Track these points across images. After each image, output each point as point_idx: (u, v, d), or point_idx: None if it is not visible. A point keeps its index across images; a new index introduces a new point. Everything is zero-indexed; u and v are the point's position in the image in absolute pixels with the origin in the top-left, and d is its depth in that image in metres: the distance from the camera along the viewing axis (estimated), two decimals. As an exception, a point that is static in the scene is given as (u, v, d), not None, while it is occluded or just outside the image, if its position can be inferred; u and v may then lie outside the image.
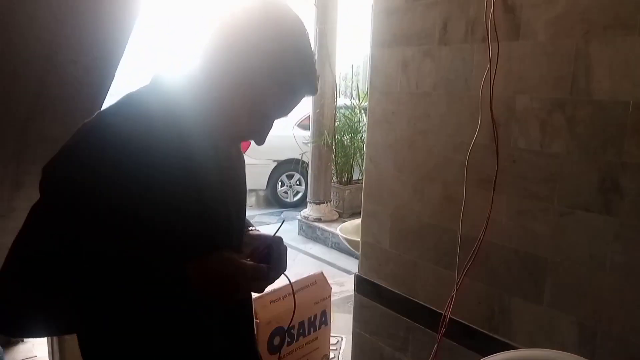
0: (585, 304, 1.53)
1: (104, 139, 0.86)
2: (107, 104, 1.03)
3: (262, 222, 6.45)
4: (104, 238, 0.87)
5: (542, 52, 1.57)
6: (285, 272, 1.19)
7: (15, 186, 1.38)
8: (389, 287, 2.14)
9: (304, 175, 6.60)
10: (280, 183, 7.00)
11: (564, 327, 1.58)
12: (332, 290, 3.43)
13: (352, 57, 8.13)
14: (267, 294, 2.67)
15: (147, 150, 0.88)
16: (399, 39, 2.00)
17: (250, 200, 7.61)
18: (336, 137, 5.80)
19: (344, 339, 3.31)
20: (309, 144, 5.93)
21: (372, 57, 2.12)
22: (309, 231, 5.80)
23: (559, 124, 1.55)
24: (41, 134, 1.22)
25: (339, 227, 3.43)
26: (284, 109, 0.98)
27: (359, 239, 2.27)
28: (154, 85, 0.98)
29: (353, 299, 2.34)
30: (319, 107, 5.73)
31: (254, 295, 1.20)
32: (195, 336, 1.02)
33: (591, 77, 1.47)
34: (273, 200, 7.04)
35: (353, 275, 2.40)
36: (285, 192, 7.07)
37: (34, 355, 2.96)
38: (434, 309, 1.95)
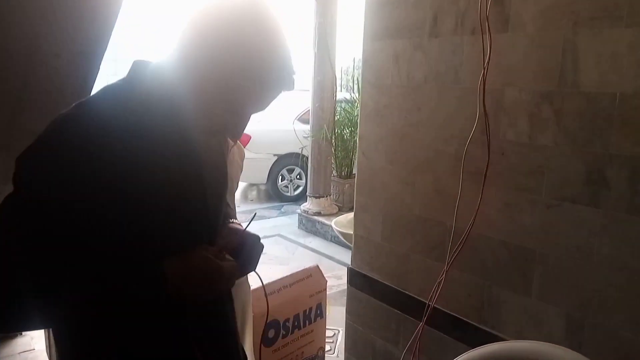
0: (573, 295, 1.53)
1: (78, 129, 0.86)
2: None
3: (263, 216, 6.46)
4: (79, 230, 0.86)
5: (531, 44, 1.56)
6: (257, 271, 1.19)
7: (4, 180, 1.39)
8: (381, 280, 2.15)
9: (305, 169, 6.60)
10: (280, 177, 7.01)
11: (551, 319, 1.59)
12: (330, 283, 3.45)
13: (354, 50, 8.12)
14: (262, 287, 2.68)
15: (123, 141, 0.88)
16: (390, 31, 2.00)
17: (251, 194, 7.63)
18: (336, 131, 5.80)
19: (341, 332, 3.32)
20: (309, 138, 5.93)
21: (364, 50, 2.12)
22: (308, 225, 5.82)
23: (547, 116, 1.54)
24: (28, 128, 1.23)
25: (333, 221, 3.44)
26: (260, 104, 0.98)
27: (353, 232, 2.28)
28: (131, 77, 0.98)
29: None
30: (318, 101, 5.73)
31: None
32: (172, 333, 1.02)
33: (579, 69, 1.46)
34: (273, 195, 7.05)
35: (347, 268, 2.41)
36: (286, 186, 7.08)
37: (32, 348, 2.99)
38: (424, 301, 1.95)
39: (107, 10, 1.15)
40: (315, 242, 5.52)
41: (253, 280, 2.60)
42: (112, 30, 1.21)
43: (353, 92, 6.35)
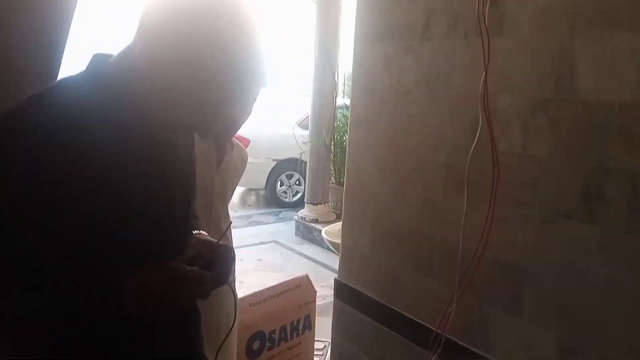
0: (567, 318, 1.43)
1: (26, 127, 0.79)
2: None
3: (260, 222, 6.39)
4: (27, 239, 0.79)
5: (526, 49, 1.47)
6: (235, 281, 1.12)
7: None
8: (368, 294, 2.05)
9: (304, 175, 6.52)
10: (279, 182, 6.93)
11: (543, 342, 1.48)
12: (324, 293, 3.34)
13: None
14: (247, 296, 2.60)
15: (77, 139, 0.81)
16: (381, 34, 1.91)
17: (250, 199, 7.54)
18: (335, 137, 5.71)
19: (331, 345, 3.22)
20: (308, 144, 5.85)
21: (355, 53, 2.03)
22: (305, 232, 5.72)
23: (541, 125, 1.45)
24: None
25: (323, 230, 3.35)
26: (235, 100, 0.90)
27: (341, 242, 2.19)
28: (89, 70, 0.91)
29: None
30: (317, 107, 5.65)
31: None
32: (135, 343, 0.95)
33: (576, 76, 1.37)
34: (272, 200, 6.97)
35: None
36: (285, 192, 7.00)
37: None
38: (412, 317, 1.85)
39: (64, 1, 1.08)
40: (311, 250, 5.42)
41: (240, 290, 2.52)
42: (71, 20, 1.13)
43: (354, 98, 6.25)
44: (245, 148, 6.74)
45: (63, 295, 0.83)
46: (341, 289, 2.19)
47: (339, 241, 2.35)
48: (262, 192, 7.32)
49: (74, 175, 0.80)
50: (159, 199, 0.96)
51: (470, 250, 1.63)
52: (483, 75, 1.52)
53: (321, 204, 5.75)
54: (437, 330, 1.71)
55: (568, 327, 1.42)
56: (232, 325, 1.19)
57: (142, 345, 0.95)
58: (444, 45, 1.70)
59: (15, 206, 0.78)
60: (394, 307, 1.93)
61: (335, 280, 2.23)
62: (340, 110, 5.97)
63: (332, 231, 3.26)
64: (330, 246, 3.18)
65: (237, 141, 1.78)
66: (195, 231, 1.15)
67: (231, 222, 1.64)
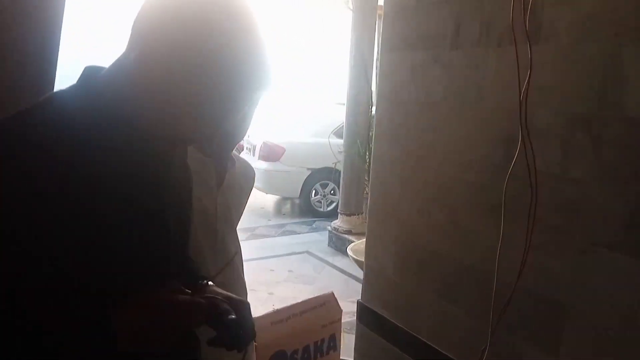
0: (609, 361, 1.26)
1: (13, 144, 0.73)
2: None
3: (293, 232, 6.32)
4: (11, 265, 0.72)
5: (566, 58, 1.32)
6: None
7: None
8: (391, 319, 1.92)
9: (339, 184, 6.42)
10: (314, 192, 6.85)
11: (582, 388, 1.32)
12: (353, 309, 3.22)
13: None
14: (268, 314, 2.51)
15: (64, 159, 0.74)
16: (408, 42, 1.79)
17: (285, 207, 7.50)
18: (370, 147, 5.58)
19: (358, 365, 3.09)
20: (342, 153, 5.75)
21: (381, 62, 1.92)
22: (338, 243, 5.60)
23: (582, 144, 1.29)
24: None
25: (349, 247, 3.22)
26: (234, 109, 0.82)
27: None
28: (81, 82, 0.84)
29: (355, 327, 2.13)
30: (352, 116, 5.54)
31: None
32: None
33: (624, 90, 1.21)
34: (306, 209, 6.89)
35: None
36: (319, 201, 6.91)
37: None
38: (437, 348, 1.71)
39: (51, 6, 1.02)
40: (343, 262, 5.29)
41: (257, 309, 2.42)
42: (61, 25, 1.07)
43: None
44: (280, 157, 6.65)
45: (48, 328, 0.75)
46: (364, 313, 2.06)
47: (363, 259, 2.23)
48: (297, 201, 7.26)
49: (62, 197, 0.74)
50: (152, 220, 0.88)
51: (503, 280, 1.48)
52: (524, 87, 1.36)
53: (355, 215, 5.62)
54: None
55: (611, 373, 1.26)
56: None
57: None
58: (475, 54, 1.56)
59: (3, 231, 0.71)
60: (418, 336, 1.79)
61: (358, 303, 2.11)
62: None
63: (358, 249, 3.13)
64: (357, 265, 3.05)
65: (239, 155, 1.63)
66: (204, 281, 1.05)
67: (237, 252, 1.53)
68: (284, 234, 6.22)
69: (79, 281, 0.76)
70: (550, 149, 1.37)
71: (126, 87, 0.81)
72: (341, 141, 5.96)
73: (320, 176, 6.74)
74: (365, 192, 5.78)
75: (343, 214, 5.68)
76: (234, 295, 0.98)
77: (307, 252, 5.58)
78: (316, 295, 2.65)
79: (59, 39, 1.09)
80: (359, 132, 5.52)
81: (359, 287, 4.51)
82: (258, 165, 6.10)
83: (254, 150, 6.73)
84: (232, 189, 1.51)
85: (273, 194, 7.05)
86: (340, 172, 5.92)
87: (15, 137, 0.74)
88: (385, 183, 1.93)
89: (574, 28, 1.30)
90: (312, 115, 7.62)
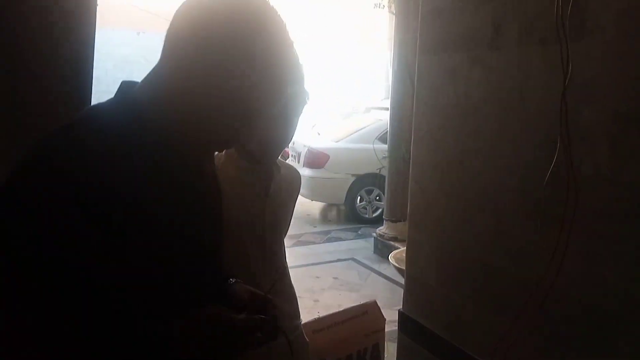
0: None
1: (56, 159, 0.74)
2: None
3: (339, 238, 6.28)
4: (60, 283, 0.73)
5: (613, 53, 1.24)
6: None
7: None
8: (434, 330, 1.85)
9: (384, 190, 6.34)
10: (359, 198, 6.79)
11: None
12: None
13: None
14: (310, 322, 2.48)
15: (108, 170, 0.75)
16: (446, 44, 1.74)
17: (331, 214, 7.47)
18: (415, 151, 5.48)
19: (404, 375, 3.01)
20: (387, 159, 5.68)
21: (418, 66, 1.87)
22: (384, 250, 5.51)
23: (634, 144, 1.20)
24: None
25: (391, 255, 3.16)
26: (266, 108, 0.86)
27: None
28: (118, 97, 0.86)
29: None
30: (397, 121, 5.46)
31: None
32: None
33: (679, 84, 1.12)
34: (351, 216, 6.84)
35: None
36: (364, 208, 6.84)
37: None
38: (483, 361, 1.64)
39: (83, 12, 1.06)
40: (389, 269, 5.17)
41: (303, 316, 2.41)
42: (94, 32, 1.11)
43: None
44: (325, 164, 6.58)
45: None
46: (405, 323, 2.01)
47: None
48: (342, 208, 7.23)
49: (105, 211, 0.75)
50: (188, 231, 0.89)
51: (552, 290, 1.39)
52: (553, 88, 1.29)
53: (400, 221, 5.51)
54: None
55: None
56: None
57: None
58: (517, 54, 1.49)
59: (44, 243, 0.72)
60: (462, 348, 1.72)
61: (400, 312, 2.05)
62: (420, 124, 5.73)
63: (400, 257, 3.06)
64: (399, 273, 2.98)
65: (284, 162, 1.63)
66: (232, 279, 1.06)
67: (281, 270, 1.51)
68: (329, 240, 6.19)
69: (124, 286, 0.77)
70: (598, 151, 1.28)
71: (162, 96, 0.83)
72: (386, 146, 5.89)
73: (365, 182, 6.68)
74: (410, 198, 5.68)
75: (388, 220, 5.60)
76: (258, 292, 1.02)
77: (353, 259, 5.53)
78: (361, 303, 2.62)
79: (92, 54, 1.13)
80: (404, 137, 5.42)
81: (405, 295, 4.43)
82: (303, 172, 6.10)
83: (299, 157, 6.76)
84: (279, 196, 1.50)
85: (318, 201, 7.04)
86: (385, 177, 5.84)
87: (64, 151, 0.75)
88: (425, 190, 1.87)
89: (619, 21, 1.22)
90: (356, 120, 7.58)
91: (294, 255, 5.33)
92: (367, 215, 6.83)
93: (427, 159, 1.86)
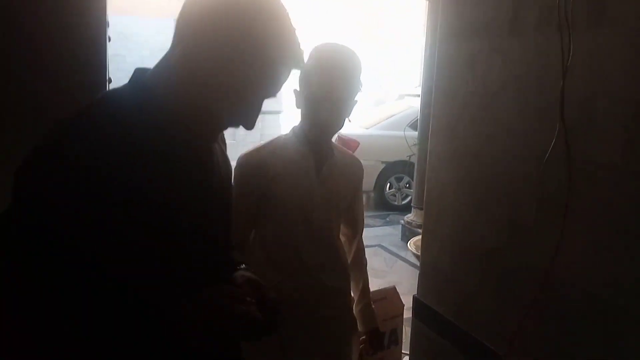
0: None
1: (78, 139, 0.79)
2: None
3: (366, 225, 6.24)
4: (81, 246, 0.78)
5: (630, 43, 1.21)
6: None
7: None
8: (448, 317, 1.87)
9: (414, 177, 6.30)
10: (388, 185, 6.77)
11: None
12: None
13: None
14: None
15: (126, 151, 0.80)
16: (465, 31, 1.72)
17: (360, 201, 7.48)
18: (445, 139, 5.41)
19: None
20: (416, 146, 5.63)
21: (438, 53, 1.86)
22: (411, 237, 5.50)
23: (649, 136, 1.18)
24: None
25: (410, 241, 3.15)
26: (269, 89, 0.91)
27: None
28: (133, 81, 0.91)
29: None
30: (427, 108, 5.39)
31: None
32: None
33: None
34: (380, 203, 6.83)
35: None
36: (394, 195, 6.82)
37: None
38: (493, 349, 1.64)
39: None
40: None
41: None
42: (105, 18, 1.16)
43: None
44: (354, 150, 6.61)
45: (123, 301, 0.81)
46: (419, 309, 2.03)
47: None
48: (371, 195, 7.22)
49: (122, 187, 0.79)
50: (200, 208, 0.93)
51: (564, 280, 1.39)
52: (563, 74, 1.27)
53: (428, 209, 5.49)
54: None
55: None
56: None
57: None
58: (535, 40, 1.47)
59: (74, 212, 0.77)
60: (475, 336, 1.73)
61: (414, 298, 2.07)
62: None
63: (419, 244, 3.06)
64: (417, 260, 2.98)
65: (345, 150, 1.64)
66: (242, 265, 1.10)
67: (333, 252, 1.57)
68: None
69: (139, 257, 0.82)
70: (611, 139, 1.26)
71: (173, 79, 0.87)
72: (417, 134, 5.84)
73: (395, 169, 6.65)
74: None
75: (417, 207, 5.56)
76: (261, 281, 1.04)
77: (380, 245, 5.54)
78: (380, 288, 2.64)
79: (105, 42, 1.18)
80: (434, 125, 5.37)
81: (430, 282, 4.41)
82: (332, 158, 6.11)
83: (330, 143, 6.77)
84: (332, 178, 1.54)
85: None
86: (414, 165, 5.80)
87: (82, 133, 0.80)
88: (442, 178, 1.88)
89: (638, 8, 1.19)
90: (388, 107, 7.52)
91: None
92: (396, 203, 6.81)
93: (443, 148, 1.86)
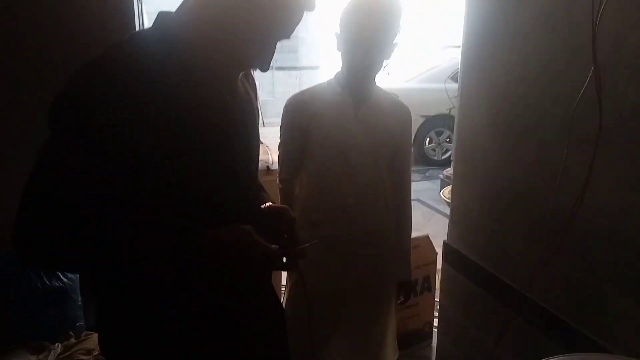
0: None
1: (107, 74, 0.85)
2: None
3: (406, 179, 6.26)
4: (110, 171, 0.84)
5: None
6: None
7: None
8: (476, 260, 1.88)
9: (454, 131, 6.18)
10: (428, 139, 6.69)
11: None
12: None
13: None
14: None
15: (151, 87, 0.85)
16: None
17: (399, 156, 7.44)
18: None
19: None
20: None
21: (469, -8, 1.80)
22: (450, 192, 5.47)
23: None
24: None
25: (442, 190, 3.13)
26: (283, 29, 0.94)
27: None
28: (156, 23, 0.96)
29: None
30: (468, 58, 5.23)
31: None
32: (217, 324, 0.99)
33: None
34: (419, 158, 6.78)
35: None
36: (433, 150, 6.75)
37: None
38: (520, 290, 1.66)
39: None
40: (455, 210, 5.18)
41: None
42: None
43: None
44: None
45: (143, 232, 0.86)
46: (449, 254, 2.05)
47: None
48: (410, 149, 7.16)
49: (149, 121, 0.84)
50: (222, 144, 0.97)
51: (593, 223, 1.37)
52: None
53: (468, 162, 5.41)
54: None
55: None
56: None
57: (227, 343, 1.00)
58: (568, -27, 1.41)
59: (94, 149, 0.82)
60: (502, 277, 1.75)
61: (444, 243, 2.09)
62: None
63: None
64: (449, 207, 2.97)
65: (391, 94, 1.67)
66: (265, 204, 1.13)
67: (370, 190, 1.63)
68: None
69: (165, 189, 0.88)
70: (647, 76, 1.21)
71: (192, 21, 0.92)
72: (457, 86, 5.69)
73: (435, 123, 6.56)
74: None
75: (456, 161, 5.50)
76: (291, 213, 1.10)
77: (418, 199, 5.54)
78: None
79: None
80: (475, 76, 5.21)
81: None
82: (370, 112, 6.06)
83: (368, 98, 6.70)
84: (371, 120, 1.57)
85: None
86: (455, 118, 5.68)
87: (113, 69, 0.85)
88: (473, 121, 1.85)
89: None
90: (429, 59, 7.33)
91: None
92: (436, 157, 6.75)
93: (474, 90, 1.83)
